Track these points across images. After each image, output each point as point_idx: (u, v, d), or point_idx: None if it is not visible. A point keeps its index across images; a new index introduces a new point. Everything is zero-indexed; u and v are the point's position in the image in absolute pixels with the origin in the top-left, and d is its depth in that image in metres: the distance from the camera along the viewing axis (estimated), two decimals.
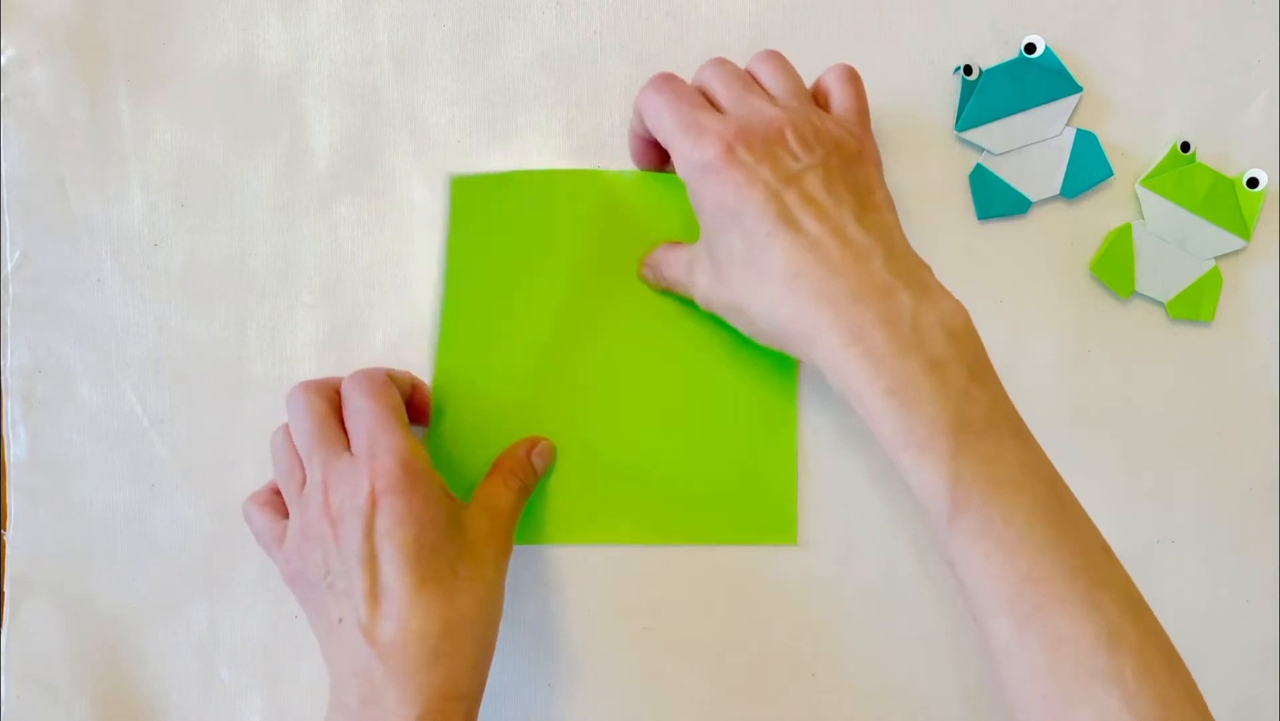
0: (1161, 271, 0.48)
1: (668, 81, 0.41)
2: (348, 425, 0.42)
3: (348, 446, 0.42)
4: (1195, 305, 0.48)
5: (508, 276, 0.46)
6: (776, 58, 0.43)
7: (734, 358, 0.47)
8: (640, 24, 0.47)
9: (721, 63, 0.42)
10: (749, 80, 0.42)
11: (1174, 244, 0.48)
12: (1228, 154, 0.48)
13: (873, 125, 0.47)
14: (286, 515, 0.43)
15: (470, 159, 0.47)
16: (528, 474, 0.46)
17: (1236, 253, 0.48)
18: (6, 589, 0.47)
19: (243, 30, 0.47)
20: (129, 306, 0.47)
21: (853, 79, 0.43)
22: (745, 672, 0.48)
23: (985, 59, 0.47)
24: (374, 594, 0.39)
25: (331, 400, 0.43)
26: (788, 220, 0.38)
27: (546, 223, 0.46)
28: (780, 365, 0.47)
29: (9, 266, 0.47)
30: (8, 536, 0.47)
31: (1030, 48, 0.47)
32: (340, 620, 0.39)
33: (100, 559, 0.47)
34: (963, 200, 0.48)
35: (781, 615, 0.47)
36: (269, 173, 0.47)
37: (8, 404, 0.47)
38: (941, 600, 0.48)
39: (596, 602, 0.47)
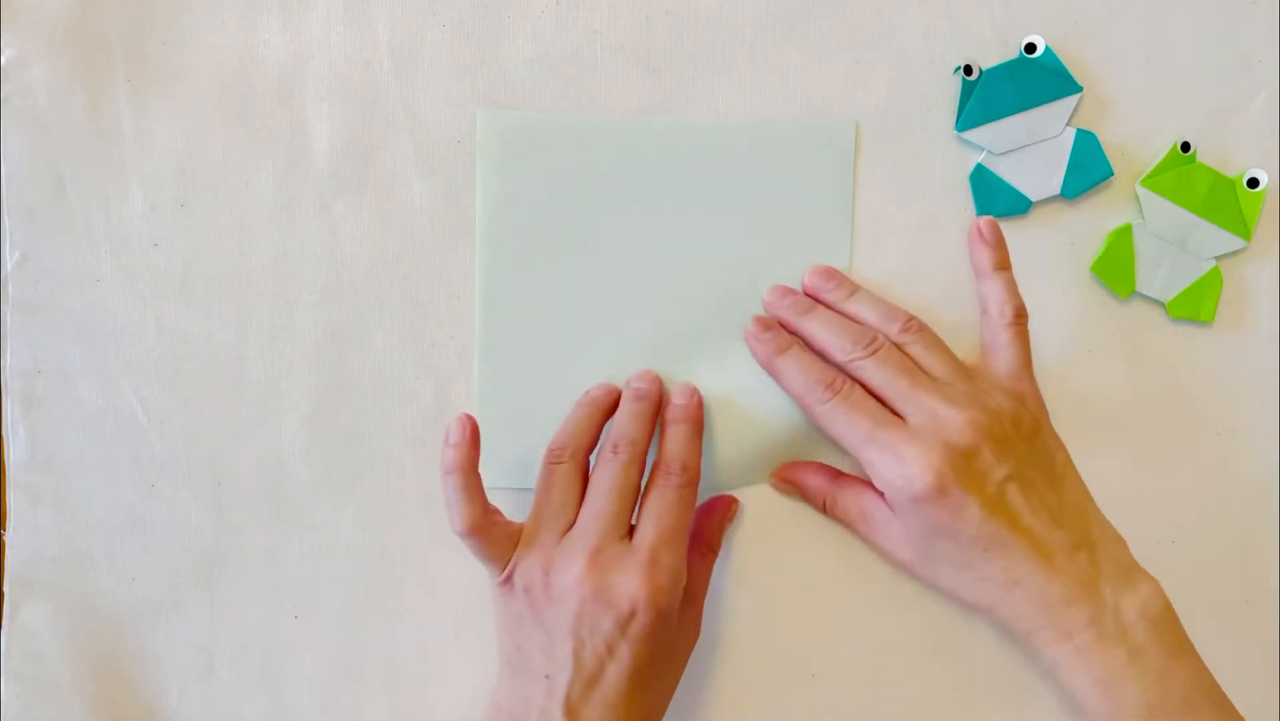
0: (1162, 271, 0.47)
1: (841, 392, 0.43)
2: (643, 506, 0.43)
3: (632, 529, 0.43)
4: (1196, 305, 0.48)
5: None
6: (920, 328, 0.44)
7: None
8: (640, 24, 0.47)
9: (874, 351, 0.43)
10: (909, 366, 0.43)
11: (1174, 244, 0.47)
12: (1228, 154, 0.48)
13: (874, 125, 0.47)
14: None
15: (469, 158, 0.47)
16: (719, 543, 0.47)
17: (1237, 252, 0.48)
18: (6, 589, 0.47)
19: (243, 30, 0.47)
20: (129, 306, 0.47)
21: (1017, 320, 0.44)
22: (746, 673, 0.48)
23: (985, 59, 0.47)
24: (594, 680, 0.41)
25: (641, 467, 0.44)
26: (1001, 541, 0.41)
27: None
28: None
29: (9, 266, 0.47)
30: (8, 536, 0.47)
31: (1030, 48, 0.47)
32: (548, 676, 0.41)
33: (100, 559, 0.47)
34: (963, 200, 0.48)
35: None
36: (269, 173, 0.47)
37: (8, 404, 0.47)
38: (942, 600, 0.48)
39: None
